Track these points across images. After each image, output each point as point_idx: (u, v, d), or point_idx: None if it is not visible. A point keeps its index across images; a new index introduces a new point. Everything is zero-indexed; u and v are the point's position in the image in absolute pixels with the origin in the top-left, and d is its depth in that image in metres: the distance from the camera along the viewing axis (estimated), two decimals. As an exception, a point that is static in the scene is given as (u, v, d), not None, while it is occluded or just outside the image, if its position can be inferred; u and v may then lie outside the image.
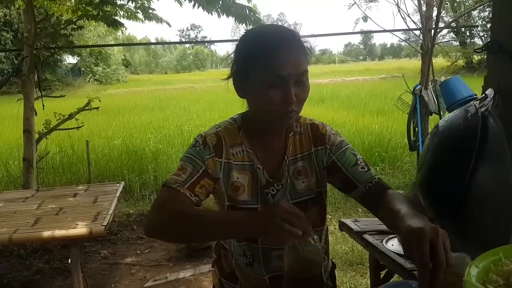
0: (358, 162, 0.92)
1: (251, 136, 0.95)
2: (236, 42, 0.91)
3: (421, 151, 4.21)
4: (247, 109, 0.96)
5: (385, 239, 1.45)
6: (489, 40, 1.01)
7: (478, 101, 0.97)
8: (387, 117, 7.40)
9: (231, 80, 0.92)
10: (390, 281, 1.73)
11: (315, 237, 0.74)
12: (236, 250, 0.97)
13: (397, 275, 1.74)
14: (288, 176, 0.94)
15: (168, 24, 4.70)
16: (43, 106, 3.92)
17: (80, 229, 2.48)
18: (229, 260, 1.01)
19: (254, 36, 0.89)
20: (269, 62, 0.82)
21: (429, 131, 4.37)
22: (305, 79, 0.85)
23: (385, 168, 4.82)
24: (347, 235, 3.08)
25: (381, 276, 1.71)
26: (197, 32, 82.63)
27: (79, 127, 4.02)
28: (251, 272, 0.97)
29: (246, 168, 0.93)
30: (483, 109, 0.93)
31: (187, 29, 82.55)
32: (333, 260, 1.12)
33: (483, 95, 0.99)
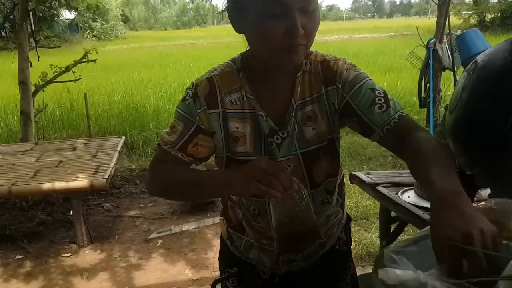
0: (376, 100, 0.78)
1: (253, 79, 0.82)
2: None
3: (431, 108, 4.07)
4: (248, 47, 0.82)
5: (400, 191, 1.37)
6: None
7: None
8: (396, 75, 7.18)
9: (234, 38, 0.78)
10: (399, 234, 1.68)
11: (303, 191, 0.72)
12: (243, 202, 0.90)
13: (407, 227, 1.69)
14: (296, 122, 0.82)
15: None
16: (38, 57, 3.74)
17: (81, 181, 2.43)
18: (236, 211, 0.94)
19: None
20: None
21: (441, 88, 4.21)
22: (313, 7, 0.71)
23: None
24: (351, 191, 3.05)
25: (392, 229, 1.65)
26: (198, -14, 78.99)
27: (77, 79, 3.87)
28: (259, 223, 0.90)
29: (246, 117, 0.82)
30: (533, 38, 0.79)
31: (188, -17, 78.80)
32: (348, 213, 1.04)
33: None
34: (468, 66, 0.93)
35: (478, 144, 0.85)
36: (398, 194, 1.36)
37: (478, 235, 0.52)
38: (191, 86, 0.83)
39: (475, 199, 0.83)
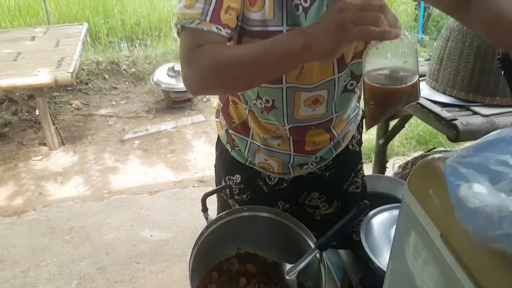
0: None
1: None
2: None
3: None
4: None
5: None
6: None
7: None
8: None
9: None
10: (398, 132, 1.62)
11: (405, 32, 0.53)
12: (249, 95, 0.75)
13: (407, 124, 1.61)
14: None
15: None
16: None
17: (44, 76, 2.18)
18: (239, 108, 0.80)
19: None
20: None
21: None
22: None
23: None
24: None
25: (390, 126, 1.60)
26: None
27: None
28: (268, 119, 0.77)
29: None
30: None
31: None
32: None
33: None
34: None
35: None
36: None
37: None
38: None
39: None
